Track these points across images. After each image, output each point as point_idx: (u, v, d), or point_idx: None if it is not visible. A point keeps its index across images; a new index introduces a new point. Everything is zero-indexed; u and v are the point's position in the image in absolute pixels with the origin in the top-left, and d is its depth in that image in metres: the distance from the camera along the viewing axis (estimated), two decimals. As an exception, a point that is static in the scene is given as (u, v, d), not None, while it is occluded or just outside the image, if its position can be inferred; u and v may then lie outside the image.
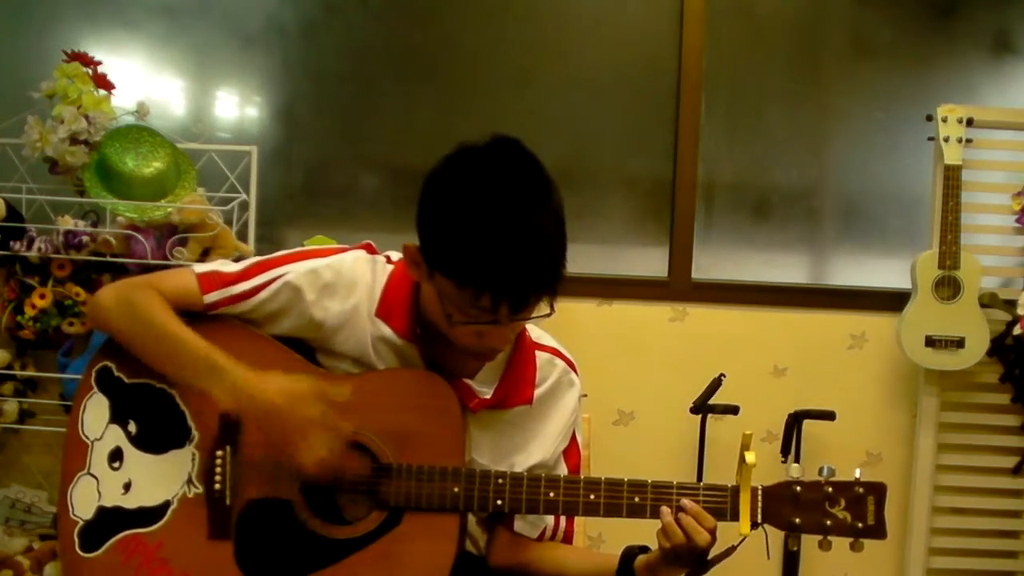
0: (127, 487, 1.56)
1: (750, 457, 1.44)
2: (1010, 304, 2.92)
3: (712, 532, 1.44)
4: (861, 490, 1.46)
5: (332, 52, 3.19)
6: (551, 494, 1.50)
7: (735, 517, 1.46)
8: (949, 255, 2.89)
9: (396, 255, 1.60)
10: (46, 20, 3.06)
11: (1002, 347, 2.98)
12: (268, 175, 3.03)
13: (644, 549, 1.53)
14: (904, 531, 3.06)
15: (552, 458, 1.62)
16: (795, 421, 2.91)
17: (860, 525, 1.45)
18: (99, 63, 2.63)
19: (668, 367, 3.12)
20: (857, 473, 1.48)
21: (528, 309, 1.41)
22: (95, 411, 1.59)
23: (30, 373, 2.72)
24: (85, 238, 2.57)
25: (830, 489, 1.46)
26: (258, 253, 2.60)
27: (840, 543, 1.47)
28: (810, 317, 3.16)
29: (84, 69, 2.60)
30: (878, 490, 1.46)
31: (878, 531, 1.46)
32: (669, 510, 1.45)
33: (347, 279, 1.55)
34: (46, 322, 2.58)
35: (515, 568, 1.62)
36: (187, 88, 3.15)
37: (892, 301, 3.06)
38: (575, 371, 1.66)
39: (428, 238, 1.41)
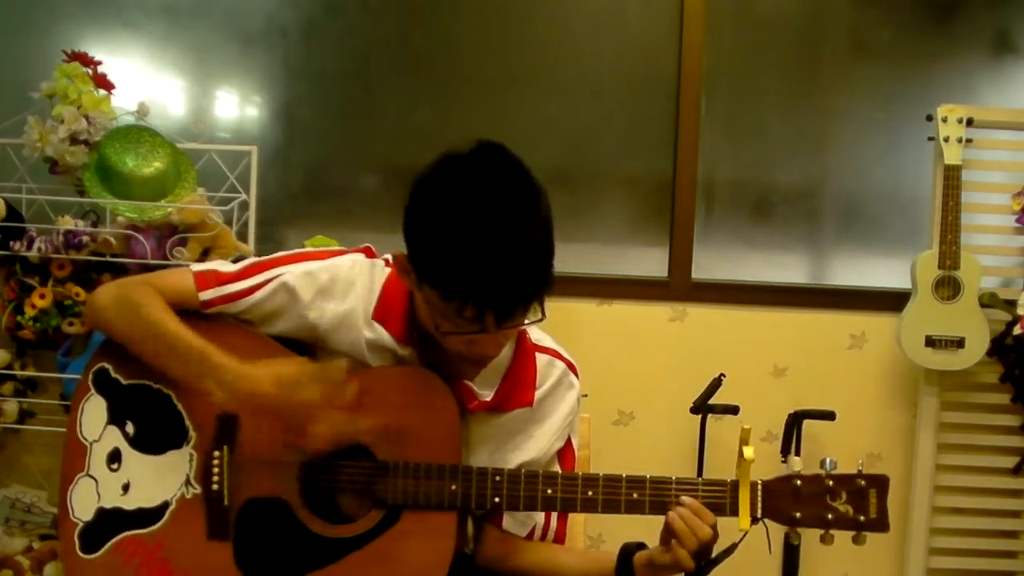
0: (126, 488, 1.56)
1: (748, 452, 1.44)
2: (1010, 304, 2.92)
3: (713, 527, 1.44)
4: (863, 483, 1.45)
5: (332, 52, 3.19)
6: (549, 491, 1.50)
7: (735, 512, 1.45)
8: (949, 255, 2.89)
9: (392, 258, 1.60)
10: (46, 20, 3.07)
11: (1002, 347, 2.98)
12: (268, 175, 3.04)
13: (641, 546, 1.52)
14: (904, 531, 3.06)
15: (545, 457, 1.61)
16: (795, 421, 2.91)
17: (862, 518, 1.44)
18: (99, 63, 2.63)
19: (668, 367, 3.12)
20: (859, 465, 1.47)
21: (515, 318, 1.39)
22: (93, 413, 1.59)
23: (30, 373, 2.72)
24: (85, 238, 2.57)
25: (831, 482, 1.45)
26: (259, 253, 2.61)
27: (842, 538, 1.46)
28: (810, 317, 3.16)
29: (84, 69, 2.59)
30: (880, 482, 1.45)
31: (880, 524, 1.45)
32: (672, 513, 1.45)
33: (343, 282, 1.55)
34: (46, 322, 2.58)
35: (505, 569, 1.61)
36: (187, 88, 3.15)
37: (892, 301, 3.06)
38: (575, 373, 1.65)
39: (414, 249, 1.40)
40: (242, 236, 2.70)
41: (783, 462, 2.89)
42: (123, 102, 2.66)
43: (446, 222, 1.34)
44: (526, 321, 1.42)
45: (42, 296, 2.57)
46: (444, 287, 1.35)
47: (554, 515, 1.64)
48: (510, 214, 1.34)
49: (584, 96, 3.21)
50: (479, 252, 1.32)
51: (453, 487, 1.49)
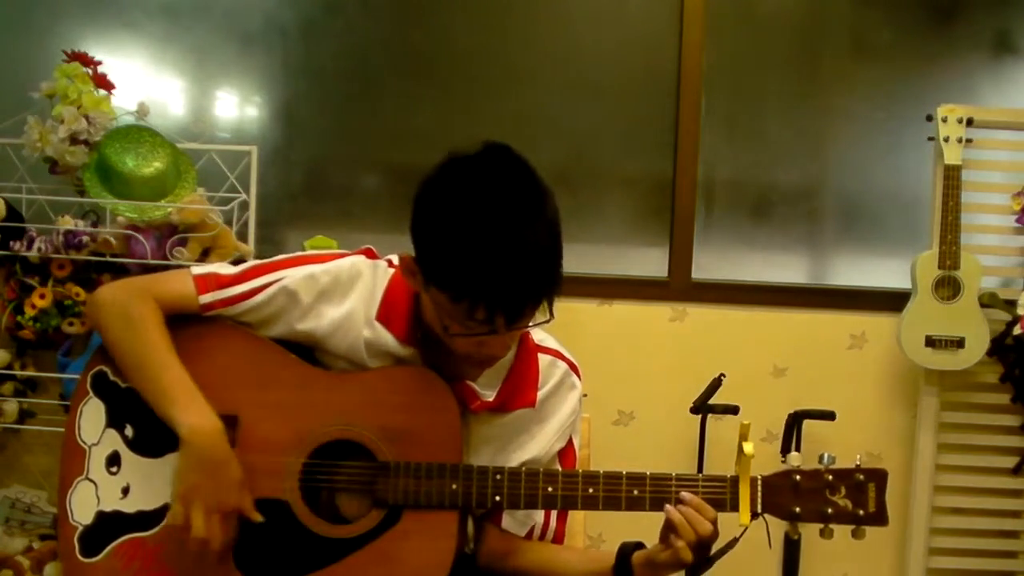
0: (125, 491, 1.56)
1: (748, 447, 1.44)
2: (1010, 304, 2.92)
3: (714, 523, 1.44)
4: (862, 477, 1.46)
5: (332, 52, 3.19)
6: (549, 488, 1.50)
7: (735, 508, 1.46)
8: (949, 255, 2.89)
9: (397, 259, 1.59)
10: (46, 20, 3.06)
11: (1002, 347, 2.98)
12: (268, 175, 3.04)
13: (640, 545, 1.53)
14: (904, 531, 3.06)
15: (546, 457, 1.61)
16: (795, 421, 2.91)
17: (861, 512, 1.45)
18: (99, 63, 2.63)
19: (668, 367, 3.12)
20: (857, 460, 1.47)
21: (525, 319, 1.40)
22: (92, 416, 1.59)
23: (30, 373, 2.72)
24: (85, 238, 2.57)
25: (830, 477, 1.46)
26: (259, 253, 2.62)
27: (842, 538, 1.46)
28: (810, 317, 3.16)
29: (84, 69, 2.59)
30: (879, 476, 1.46)
31: (879, 518, 1.45)
32: (672, 507, 1.45)
33: (344, 284, 1.55)
34: (46, 322, 2.58)
35: (506, 568, 1.62)
36: (187, 88, 3.15)
37: (892, 301, 3.06)
38: (577, 374, 1.66)
39: (421, 251, 1.40)
40: (242, 236, 2.70)
41: (783, 462, 2.89)
42: (123, 102, 2.67)
43: (454, 224, 1.34)
44: (536, 322, 1.42)
45: (42, 296, 2.57)
46: (454, 289, 1.35)
47: (554, 515, 1.64)
48: (518, 216, 1.34)
49: (584, 96, 3.21)
50: (489, 254, 1.32)
51: (454, 486, 1.49)
